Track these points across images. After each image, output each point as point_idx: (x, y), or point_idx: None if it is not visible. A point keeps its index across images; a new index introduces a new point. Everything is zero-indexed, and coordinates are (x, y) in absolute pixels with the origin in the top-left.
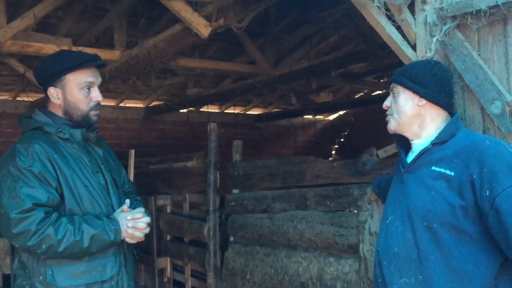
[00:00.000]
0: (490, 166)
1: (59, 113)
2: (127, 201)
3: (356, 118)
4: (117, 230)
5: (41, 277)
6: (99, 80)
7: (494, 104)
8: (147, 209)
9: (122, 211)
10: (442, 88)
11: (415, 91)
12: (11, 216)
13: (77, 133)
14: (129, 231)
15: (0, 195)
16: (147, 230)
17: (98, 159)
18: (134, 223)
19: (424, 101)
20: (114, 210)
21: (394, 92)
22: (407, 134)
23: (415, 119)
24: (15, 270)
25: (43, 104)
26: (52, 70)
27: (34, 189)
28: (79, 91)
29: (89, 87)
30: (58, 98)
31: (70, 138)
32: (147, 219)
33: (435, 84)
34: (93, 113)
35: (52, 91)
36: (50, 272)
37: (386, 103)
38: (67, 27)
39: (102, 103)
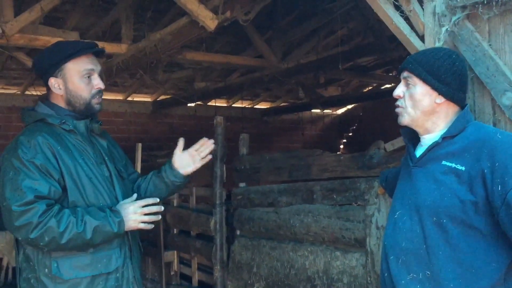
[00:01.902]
0: (502, 160)
1: (62, 104)
2: (135, 195)
3: (365, 112)
4: (120, 222)
5: (46, 270)
6: (98, 67)
7: (506, 96)
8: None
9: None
10: (461, 86)
11: (435, 88)
12: (13, 209)
13: (81, 125)
14: (133, 224)
15: (2, 187)
16: (154, 218)
17: (102, 150)
18: (142, 217)
19: (443, 99)
20: (118, 202)
21: (409, 82)
22: (419, 129)
23: (430, 115)
24: (20, 263)
25: (46, 96)
26: (51, 60)
27: (36, 181)
28: (80, 79)
29: (89, 74)
30: (60, 88)
31: (73, 130)
32: (152, 209)
33: (456, 82)
34: (95, 101)
35: (53, 82)
36: (55, 265)
37: (398, 93)
38: (74, 21)
39: (110, 97)
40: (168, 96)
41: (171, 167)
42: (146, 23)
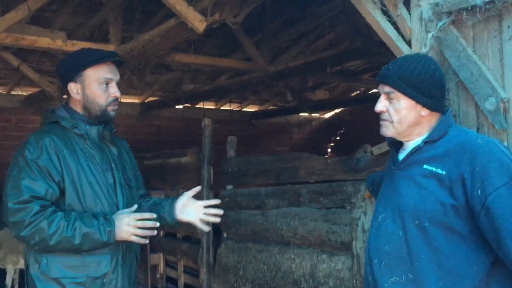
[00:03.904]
0: (482, 165)
1: (79, 108)
2: (135, 206)
3: (352, 116)
4: (111, 232)
5: (37, 265)
6: (117, 76)
7: (488, 101)
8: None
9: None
10: (443, 94)
11: (420, 102)
12: (9, 205)
13: (93, 130)
14: (124, 236)
15: (6, 183)
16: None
17: (111, 157)
18: (135, 230)
19: (428, 111)
20: (118, 210)
21: (392, 97)
22: (403, 139)
23: (415, 126)
24: (28, 259)
25: (66, 100)
26: (72, 66)
27: (35, 182)
28: (98, 86)
29: (107, 82)
30: (78, 93)
31: (84, 135)
32: (146, 223)
33: (439, 92)
34: (110, 107)
35: (72, 87)
36: (45, 262)
37: (381, 108)
38: (61, 21)
39: None
40: (156, 98)
41: (172, 205)
42: (134, 24)
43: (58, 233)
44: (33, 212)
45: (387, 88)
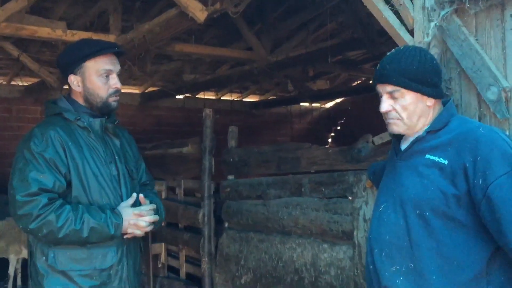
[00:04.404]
0: (484, 154)
1: (80, 100)
2: (134, 194)
3: (353, 106)
4: (119, 225)
5: (44, 258)
6: (117, 67)
7: (490, 90)
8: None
9: (140, 202)
10: (441, 80)
11: (425, 93)
12: (17, 198)
13: (96, 123)
14: (129, 230)
15: (12, 176)
16: (147, 229)
17: (114, 149)
18: (136, 221)
19: (433, 101)
20: (122, 201)
21: (396, 96)
22: (414, 133)
23: (423, 118)
24: (32, 247)
25: (68, 91)
26: (71, 58)
27: (42, 174)
28: (98, 78)
29: (107, 74)
30: (78, 86)
31: (87, 127)
32: (150, 218)
33: (440, 79)
34: (112, 99)
35: (72, 79)
36: (52, 255)
37: (387, 108)
38: (61, 11)
39: None
40: (156, 88)
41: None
42: (134, 14)
43: (66, 226)
44: (41, 204)
45: (389, 88)
